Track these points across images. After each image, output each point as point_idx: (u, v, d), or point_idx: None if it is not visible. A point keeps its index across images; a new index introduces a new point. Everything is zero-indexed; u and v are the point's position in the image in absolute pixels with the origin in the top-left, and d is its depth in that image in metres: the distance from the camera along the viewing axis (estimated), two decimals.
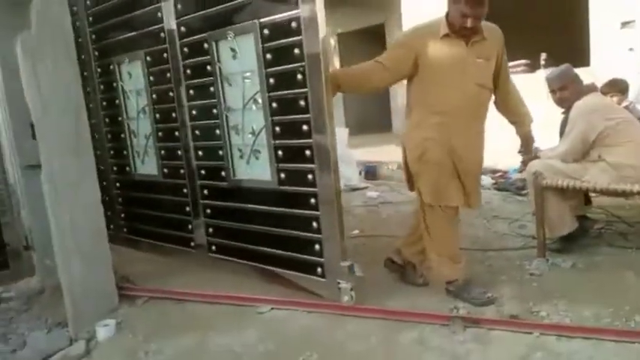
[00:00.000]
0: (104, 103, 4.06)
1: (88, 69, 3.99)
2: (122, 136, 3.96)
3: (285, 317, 2.75)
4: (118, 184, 4.12)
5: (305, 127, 2.70)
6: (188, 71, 3.28)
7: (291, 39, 2.66)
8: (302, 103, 2.68)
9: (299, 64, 2.65)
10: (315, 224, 2.77)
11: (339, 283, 2.72)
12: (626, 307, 2.49)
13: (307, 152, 2.72)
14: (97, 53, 3.98)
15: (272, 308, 2.83)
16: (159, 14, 3.36)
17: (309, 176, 2.74)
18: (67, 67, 2.75)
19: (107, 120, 4.07)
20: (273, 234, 3.01)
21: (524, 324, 2.42)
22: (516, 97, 2.90)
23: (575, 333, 2.30)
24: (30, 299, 3.20)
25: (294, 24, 2.63)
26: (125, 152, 3.96)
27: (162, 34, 3.37)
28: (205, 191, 3.39)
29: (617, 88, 4.21)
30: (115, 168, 4.11)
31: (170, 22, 3.28)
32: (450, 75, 2.61)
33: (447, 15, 2.60)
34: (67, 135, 2.73)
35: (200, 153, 3.35)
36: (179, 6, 3.21)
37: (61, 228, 2.70)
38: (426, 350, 2.32)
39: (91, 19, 3.92)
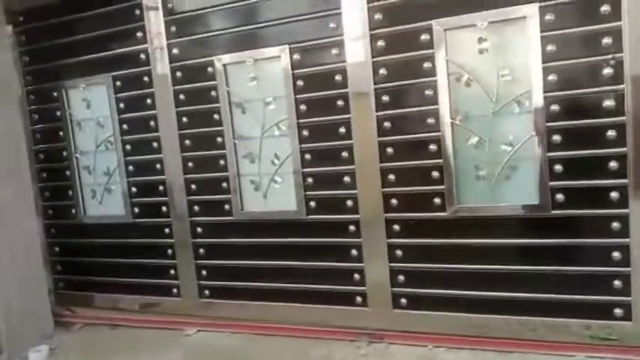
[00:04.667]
0: None
1: None
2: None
3: None
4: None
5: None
6: None
7: None
8: None
9: None
10: (617, 254, 2.23)
11: None
12: None
13: (612, 164, 2.20)
14: None
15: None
16: None
17: (613, 194, 2.21)
18: (8, 103, 3.04)
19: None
20: (526, 273, 2.38)
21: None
22: None
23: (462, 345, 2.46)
24: None
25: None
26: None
27: None
28: (395, 226, 2.58)
29: None
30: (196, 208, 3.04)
31: None
32: None
33: None
34: (8, 164, 2.95)
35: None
36: None
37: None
38: None
39: None
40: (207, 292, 3.07)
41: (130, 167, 3.17)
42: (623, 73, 2.14)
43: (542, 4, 2.22)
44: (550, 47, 2.23)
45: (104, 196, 3.29)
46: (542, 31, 2.23)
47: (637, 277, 2.20)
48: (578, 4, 2.19)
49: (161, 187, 3.10)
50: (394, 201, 2.57)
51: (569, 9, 2.20)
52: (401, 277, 2.60)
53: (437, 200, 2.48)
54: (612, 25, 2.14)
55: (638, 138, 2.14)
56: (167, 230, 3.12)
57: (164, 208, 3.11)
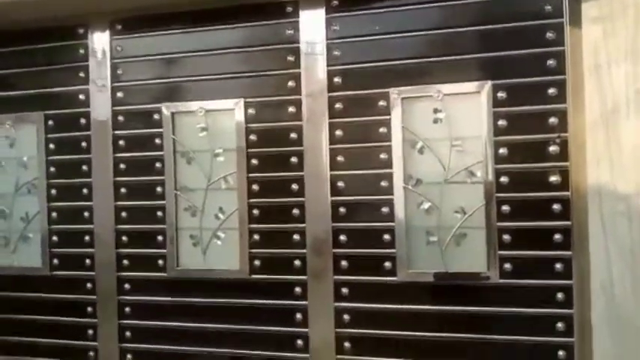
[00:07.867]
0: None
1: None
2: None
3: None
4: None
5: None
6: None
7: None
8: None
9: None
10: (560, 325, 2.28)
11: None
12: None
13: (557, 236, 2.29)
14: None
15: None
16: None
17: (557, 265, 2.29)
18: None
19: None
20: None
21: None
22: None
23: None
24: None
25: None
26: None
27: None
28: (344, 289, 2.50)
29: None
30: None
31: None
32: None
33: None
34: None
35: None
36: None
37: None
38: None
39: None
40: (129, 356, 2.78)
41: (54, 214, 2.89)
42: (568, 152, 2.27)
43: (496, 82, 2.35)
44: (501, 122, 2.34)
45: (19, 244, 2.96)
46: (494, 107, 2.34)
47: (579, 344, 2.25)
48: (527, 84, 2.33)
49: (87, 238, 2.85)
50: (344, 263, 2.50)
51: (520, 88, 2.33)
52: (347, 344, 2.49)
53: (387, 264, 2.45)
54: (558, 107, 2.29)
55: (578, 212, 2.25)
56: (89, 285, 2.84)
57: (88, 261, 2.85)
